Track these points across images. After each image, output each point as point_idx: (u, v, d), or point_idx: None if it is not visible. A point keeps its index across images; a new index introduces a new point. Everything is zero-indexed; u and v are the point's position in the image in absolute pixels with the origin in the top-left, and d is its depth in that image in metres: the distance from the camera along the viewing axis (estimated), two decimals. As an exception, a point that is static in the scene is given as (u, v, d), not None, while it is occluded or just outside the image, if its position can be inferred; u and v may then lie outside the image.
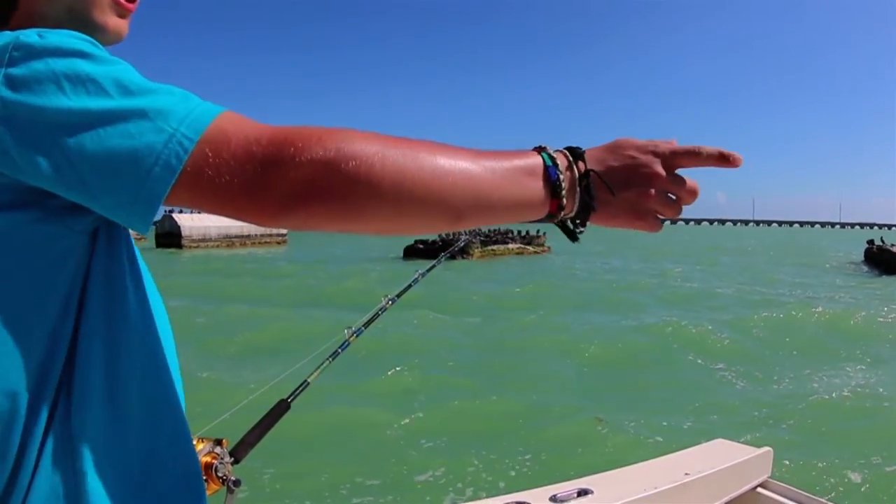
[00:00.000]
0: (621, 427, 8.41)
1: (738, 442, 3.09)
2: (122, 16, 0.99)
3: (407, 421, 8.55)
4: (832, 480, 6.92)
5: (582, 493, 2.42)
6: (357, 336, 2.50)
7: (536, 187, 0.91)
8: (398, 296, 2.76)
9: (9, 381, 0.81)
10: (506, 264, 39.04)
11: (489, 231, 54.52)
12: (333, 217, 0.79)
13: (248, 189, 0.76)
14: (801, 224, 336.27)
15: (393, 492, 6.63)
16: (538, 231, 58.13)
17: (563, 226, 0.99)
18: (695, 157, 0.98)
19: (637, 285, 26.26)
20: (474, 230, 52.74)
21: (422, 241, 47.85)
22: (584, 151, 0.97)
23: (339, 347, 2.43)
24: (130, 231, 0.90)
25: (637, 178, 0.96)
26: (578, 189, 0.94)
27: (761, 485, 2.91)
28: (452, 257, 40.48)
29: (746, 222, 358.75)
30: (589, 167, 0.95)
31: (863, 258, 43.57)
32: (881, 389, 10.43)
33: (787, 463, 6.97)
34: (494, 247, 49.22)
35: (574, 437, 8.08)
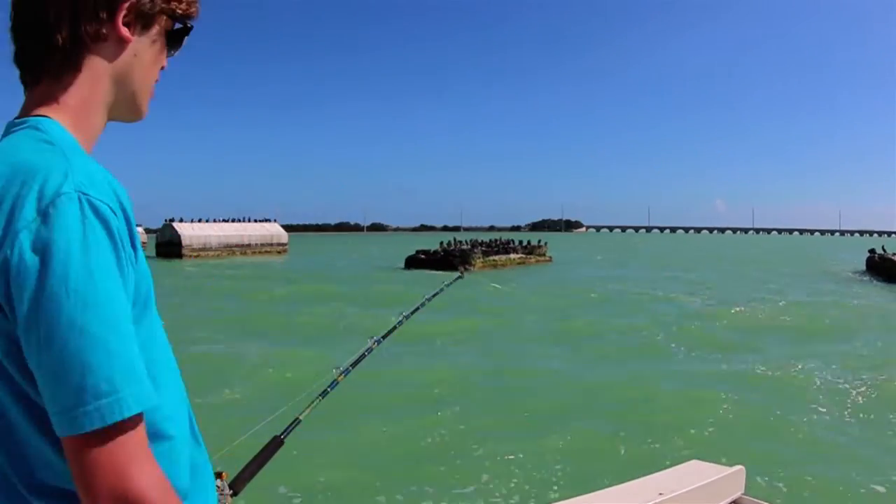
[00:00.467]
0: (596, 449, 8.48)
1: (712, 462, 3.22)
2: None
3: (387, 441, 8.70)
4: (806, 495, 7.05)
5: (560, 515, 2.55)
6: (345, 376, 2.68)
7: None
8: (383, 337, 2.94)
9: None
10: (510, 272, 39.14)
11: (491, 241, 54.67)
12: None
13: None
14: (801, 232, 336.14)
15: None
16: (539, 241, 58.31)
17: None
18: None
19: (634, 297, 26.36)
20: (475, 241, 52.80)
21: (423, 252, 48.15)
22: None
23: (329, 387, 2.60)
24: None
25: None
26: None
27: (735, 502, 3.04)
28: (454, 268, 40.75)
29: (746, 230, 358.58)
30: None
31: (865, 267, 43.32)
32: (858, 402, 10.62)
33: (762, 480, 7.09)
34: (496, 257, 49.28)
35: (550, 458, 8.12)
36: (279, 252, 76.42)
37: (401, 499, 7.06)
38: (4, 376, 1.01)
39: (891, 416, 9.82)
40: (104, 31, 1.11)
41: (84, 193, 0.97)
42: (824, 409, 10.24)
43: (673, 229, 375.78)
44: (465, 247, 49.61)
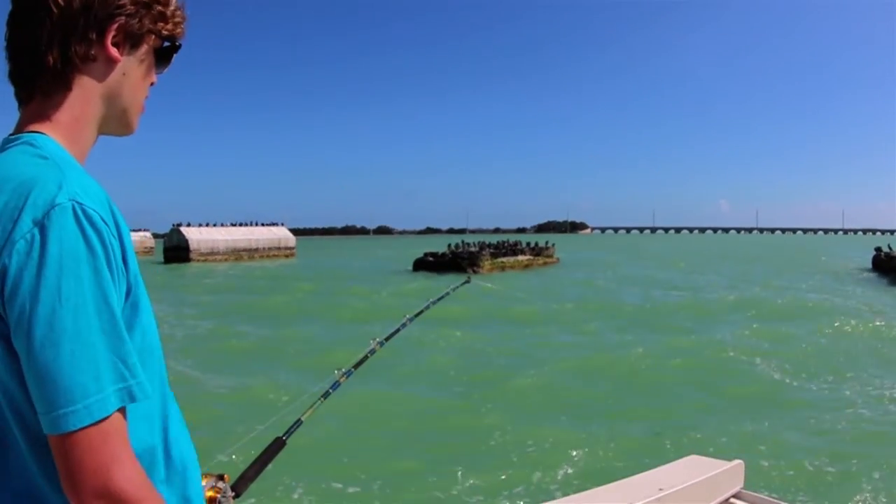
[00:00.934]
0: (596, 445, 8.51)
1: (711, 457, 3.23)
2: None
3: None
4: (805, 488, 7.07)
5: (560, 512, 2.57)
6: (347, 377, 2.69)
7: None
8: (387, 339, 2.94)
9: None
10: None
11: (498, 243, 54.57)
12: None
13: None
14: (805, 231, 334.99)
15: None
16: (546, 242, 58.23)
17: None
18: None
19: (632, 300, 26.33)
20: (483, 243, 52.69)
21: (431, 254, 48.08)
22: None
23: (331, 388, 2.61)
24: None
25: None
26: None
27: (735, 496, 3.06)
28: (463, 270, 40.74)
29: (750, 230, 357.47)
30: None
31: (871, 266, 43.06)
32: (858, 399, 10.63)
33: (764, 471, 7.12)
34: (504, 259, 49.20)
35: (549, 455, 8.19)
36: (286, 256, 76.31)
37: (402, 499, 7.09)
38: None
39: (892, 411, 9.84)
40: (93, 51, 1.16)
41: (78, 203, 1.02)
42: (824, 405, 10.24)
43: (678, 230, 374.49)
44: (472, 249, 49.51)
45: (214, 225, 75.67)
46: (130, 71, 1.22)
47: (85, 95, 1.17)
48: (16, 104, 1.21)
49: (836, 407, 10.11)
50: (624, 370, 13.43)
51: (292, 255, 77.48)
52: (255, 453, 2.16)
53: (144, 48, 1.23)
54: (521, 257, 51.49)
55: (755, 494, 3.08)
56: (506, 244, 54.45)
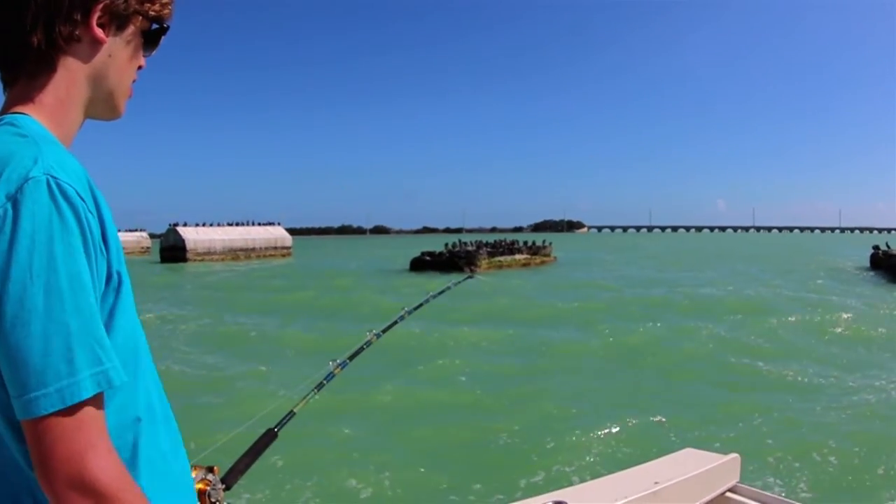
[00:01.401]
0: (591, 438, 8.52)
1: (707, 450, 3.22)
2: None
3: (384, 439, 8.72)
4: (801, 482, 7.06)
5: (555, 504, 2.56)
6: (342, 368, 2.65)
7: None
8: (383, 331, 2.90)
9: None
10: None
11: (496, 242, 54.61)
12: None
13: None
14: (802, 230, 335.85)
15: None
16: (544, 241, 58.26)
17: None
18: None
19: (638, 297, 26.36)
20: (480, 242, 52.75)
21: (429, 253, 48.03)
22: None
23: (325, 379, 2.57)
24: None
25: None
26: None
27: (731, 490, 3.04)
28: (460, 269, 40.83)
29: (747, 229, 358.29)
30: None
31: (869, 264, 43.07)
32: (851, 390, 10.67)
33: (758, 466, 7.12)
34: (501, 258, 49.16)
35: (545, 449, 8.19)
36: (283, 255, 76.32)
37: (395, 492, 7.08)
38: None
39: (887, 406, 9.86)
40: (78, 32, 1.13)
41: (53, 177, 0.99)
42: (822, 400, 10.25)
43: (674, 228, 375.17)
44: (470, 248, 49.53)
45: (211, 225, 75.66)
46: (117, 52, 1.19)
47: (70, 77, 1.15)
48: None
49: (835, 401, 10.12)
50: (620, 363, 13.47)
51: (289, 254, 77.49)
52: (246, 445, 2.14)
53: (131, 29, 1.20)
54: (518, 256, 51.48)
55: (751, 488, 3.07)
56: (503, 243, 54.50)
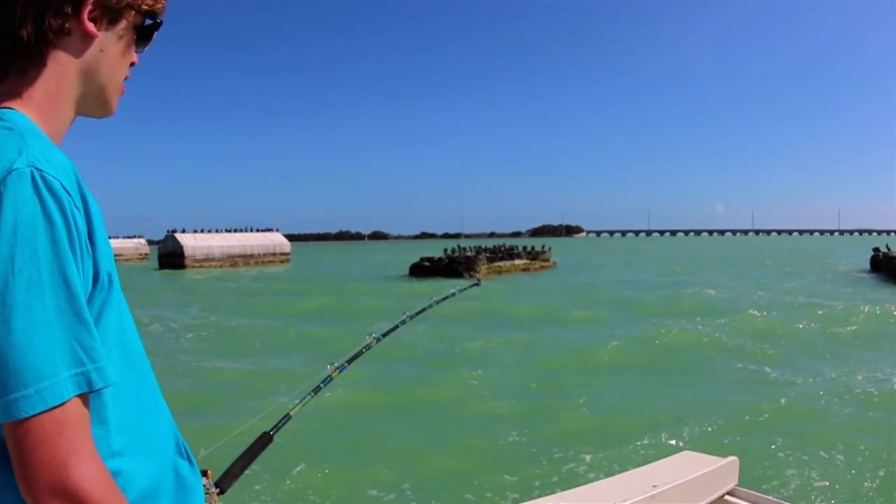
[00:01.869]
0: (589, 441, 8.49)
1: (705, 453, 3.21)
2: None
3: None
4: (800, 486, 7.05)
5: (553, 508, 2.55)
6: (340, 372, 2.63)
7: None
8: (384, 335, 2.88)
9: None
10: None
11: (495, 247, 54.61)
12: None
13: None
14: (801, 232, 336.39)
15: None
16: (543, 246, 58.31)
17: None
18: None
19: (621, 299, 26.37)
20: (479, 247, 52.73)
21: (428, 259, 48.02)
22: None
23: (322, 382, 2.54)
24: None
25: None
26: None
27: (729, 493, 3.03)
28: (459, 275, 40.84)
29: (746, 232, 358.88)
30: None
31: (869, 266, 43.04)
32: (853, 394, 10.65)
33: (757, 469, 7.11)
34: (501, 263, 49.08)
35: (543, 452, 8.16)
36: (282, 262, 76.28)
37: (392, 496, 7.06)
38: None
39: (886, 409, 9.86)
40: (68, 25, 1.11)
41: (38, 169, 0.96)
42: (822, 403, 10.24)
43: (673, 232, 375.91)
44: (469, 253, 49.47)
45: (209, 231, 75.66)
46: (108, 47, 1.17)
47: (60, 71, 1.13)
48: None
49: (836, 405, 10.10)
50: (618, 365, 13.47)
51: (287, 260, 77.44)
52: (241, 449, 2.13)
53: (123, 24, 1.18)
54: (517, 261, 51.45)
55: (750, 492, 3.06)
56: (502, 248, 54.47)
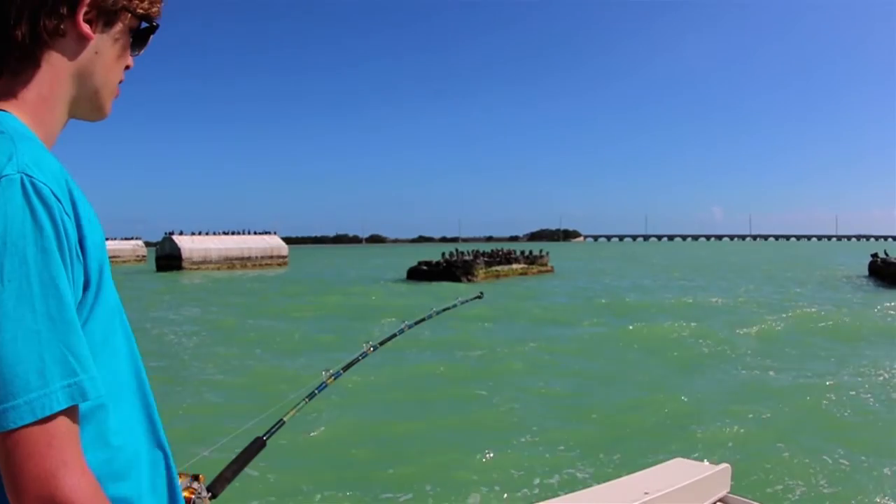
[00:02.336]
0: (580, 447, 8.47)
1: (697, 460, 3.22)
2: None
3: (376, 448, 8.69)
4: (792, 493, 7.05)
5: (545, 515, 2.55)
6: (335, 379, 2.63)
7: None
8: (381, 343, 2.87)
9: None
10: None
11: (492, 251, 54.57)
12: None
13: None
14: (798, 238, 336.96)
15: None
16: (541, 251, 58.25)
17: None
18: None
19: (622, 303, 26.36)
20: (477, 251, 52.72)
21: (425, 263, 47.92)
22: None
23: (316, 389, 2.55)
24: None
25: None
26: None
27: (721, 500, 3.04)
28: (457, 279, 40.84)
29: (743, 237, 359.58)
30: None
31: (867, 272, 43.04)
32: (848, 401, 10.65)
33: (749, 477, 7.10)
34: (498, 267, 48.96)
35: (533, 459, 8.12)
36: (279, 265, 76.13)
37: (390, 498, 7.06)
38: None
39: (880, 414, 9.88)
40: (63, 26, 1.09)
41: (28, 175, 0.95)
42: (816, 410, 10.25)
43: (671, 237, 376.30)
44: (467, 257, 49.35)
45: (207, 233, 75.56)
46: (104, 50, 1.16)
47: (54, 73, 1.12)
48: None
49: (830, 412, 10.10)
50: (609, 371, 13.47)
51: (285, 263, 77.30)
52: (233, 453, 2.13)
53: (119, 27, 1.18)
54: (515, 266, 51.31)
55: (742, 499, 3.07)
56: (500, 252, 54.33)
